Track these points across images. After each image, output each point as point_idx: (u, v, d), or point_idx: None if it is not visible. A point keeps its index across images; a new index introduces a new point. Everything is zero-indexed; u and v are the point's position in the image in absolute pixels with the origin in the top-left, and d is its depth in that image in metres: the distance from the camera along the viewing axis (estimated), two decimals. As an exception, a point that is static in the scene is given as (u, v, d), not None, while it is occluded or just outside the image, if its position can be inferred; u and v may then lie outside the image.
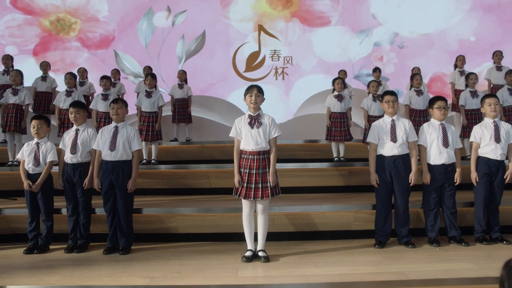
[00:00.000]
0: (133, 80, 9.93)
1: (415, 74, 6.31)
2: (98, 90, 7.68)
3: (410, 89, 6.38)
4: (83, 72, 7.76)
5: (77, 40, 10.26)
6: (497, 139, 3.99)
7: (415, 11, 10.27)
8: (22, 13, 10.07)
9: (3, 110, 5.98)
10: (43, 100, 7.10)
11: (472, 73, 6.16)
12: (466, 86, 6.22)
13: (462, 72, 7.14)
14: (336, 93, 6.18)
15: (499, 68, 7.01)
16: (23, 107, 5.95)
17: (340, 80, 6.24)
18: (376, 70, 7.83)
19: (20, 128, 5.82)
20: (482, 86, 8.08)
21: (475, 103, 5.94)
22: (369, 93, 6.43)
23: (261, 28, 10.29)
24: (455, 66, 7.44)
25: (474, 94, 6.03)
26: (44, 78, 7.18)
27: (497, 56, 7.12)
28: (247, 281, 3.06)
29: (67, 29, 10.24)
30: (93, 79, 8.41)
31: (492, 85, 7.11)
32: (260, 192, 3.53)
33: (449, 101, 7.55)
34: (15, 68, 6.68)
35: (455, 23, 10.20)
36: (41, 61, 7.56)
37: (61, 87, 7.36)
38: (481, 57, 9.52)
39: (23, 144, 4.20)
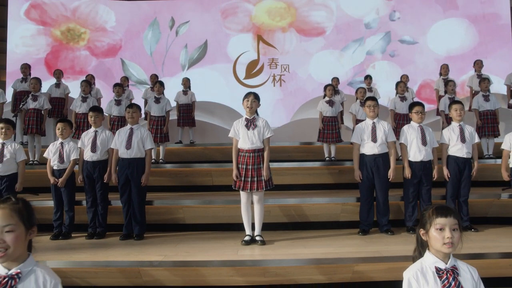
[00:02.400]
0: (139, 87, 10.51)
1: (399, 82, 6.88)
2: (103, 95, 8.26)
3: (396, 95, 6.95)
4: (90, 79, 8.31)
5: (86, 49, 10.85)
6: (463, 140, 4.54)
7: (406, 22, 10.86)
8: (35, 24, 10.69)
9: (24, 115, 6.54)
10: (57, 105, 7.62)
11: (450, 80, 6.72)
12: (445, 92, 6.78)
13: (445, 80, 7.70)
14: (327, 98, 6.71)
15: (479, 76, 7.56)
16: (42, 111, 6.51)
17: (331, 86, 6.79)
18: (367, 77, 8.36)
19: (40, 131, 6.39)
20: (467, 93, 8.66)
21: (455, 108, 6.47)
22: (357, 99, 6.99)
23: (260, 38, 10.87)
24: (440, 74, 8.01)
25: (452, 100, 6.57)
26: (57, 85, 7.72)
27: (478, 65, 7.71)
28: (245, 258, 3.61)
29: (76, 38, 10.85)
30: (101, 85, 8.97)
31: (473, 92, 7.67)
32: (255, 185, 4.06)
33: (435, 107, 8.13)
34: (32, 76, 7.21)
35: (443, 33, 10.77)
36: (53, 69, 8.07)
37: (73, 93, 7.94)
38: (467, 66, 10.10)
39: (42, 146, 4.73)
